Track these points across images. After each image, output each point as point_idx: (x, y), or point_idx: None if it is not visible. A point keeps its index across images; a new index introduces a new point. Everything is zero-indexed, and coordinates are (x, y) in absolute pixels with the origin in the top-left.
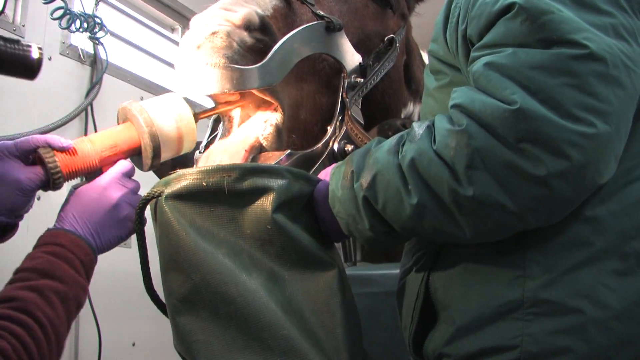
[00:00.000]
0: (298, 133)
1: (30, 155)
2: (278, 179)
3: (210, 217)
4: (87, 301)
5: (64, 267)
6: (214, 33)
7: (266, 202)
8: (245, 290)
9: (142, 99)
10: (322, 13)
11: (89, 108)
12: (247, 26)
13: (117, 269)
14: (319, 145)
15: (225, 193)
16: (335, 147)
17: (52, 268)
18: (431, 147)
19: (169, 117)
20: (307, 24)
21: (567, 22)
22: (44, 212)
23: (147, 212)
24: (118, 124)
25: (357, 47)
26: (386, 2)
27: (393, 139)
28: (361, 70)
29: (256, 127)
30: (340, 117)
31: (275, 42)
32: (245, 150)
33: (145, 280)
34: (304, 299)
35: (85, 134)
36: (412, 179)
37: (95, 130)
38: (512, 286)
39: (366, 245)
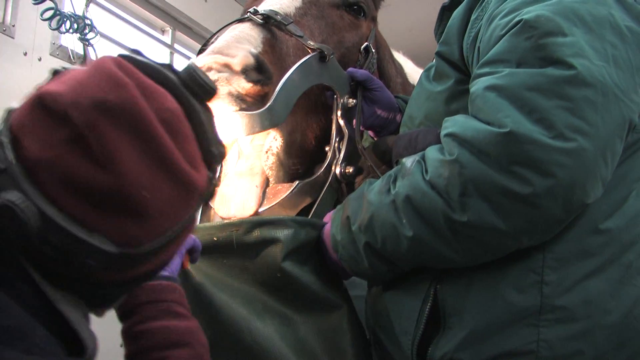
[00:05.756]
0: (296, 156)
1: None
2: (284, 229)
3: (223, 268)
4: None
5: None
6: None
7: (275, 252)
8: (259, 337)
9: None
10: (312, 44)
11: None
12: (245, 70)
13: None
14: (322, 170)
15: (235, 247)
16: (338, 170)
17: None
18: (423, 179)
19: None
20: (303, 60)
21: (570, 46)
22: None
23: None
24: None
25: (340, 62)
26: (359, 10)
27: (383, 179)
28: (351, 90)
29: (259, 158)
30: (337, 139)
31: (270, 79)
32: (257, 187)
33: None
34: (315, 340)
35: None
36: (406, 213)
37: None
38: (529, 292)
39: (372, 283)
